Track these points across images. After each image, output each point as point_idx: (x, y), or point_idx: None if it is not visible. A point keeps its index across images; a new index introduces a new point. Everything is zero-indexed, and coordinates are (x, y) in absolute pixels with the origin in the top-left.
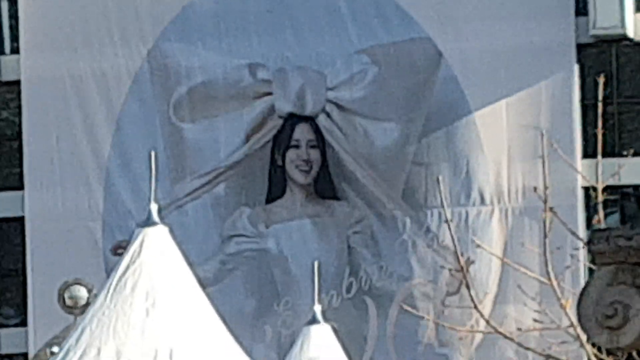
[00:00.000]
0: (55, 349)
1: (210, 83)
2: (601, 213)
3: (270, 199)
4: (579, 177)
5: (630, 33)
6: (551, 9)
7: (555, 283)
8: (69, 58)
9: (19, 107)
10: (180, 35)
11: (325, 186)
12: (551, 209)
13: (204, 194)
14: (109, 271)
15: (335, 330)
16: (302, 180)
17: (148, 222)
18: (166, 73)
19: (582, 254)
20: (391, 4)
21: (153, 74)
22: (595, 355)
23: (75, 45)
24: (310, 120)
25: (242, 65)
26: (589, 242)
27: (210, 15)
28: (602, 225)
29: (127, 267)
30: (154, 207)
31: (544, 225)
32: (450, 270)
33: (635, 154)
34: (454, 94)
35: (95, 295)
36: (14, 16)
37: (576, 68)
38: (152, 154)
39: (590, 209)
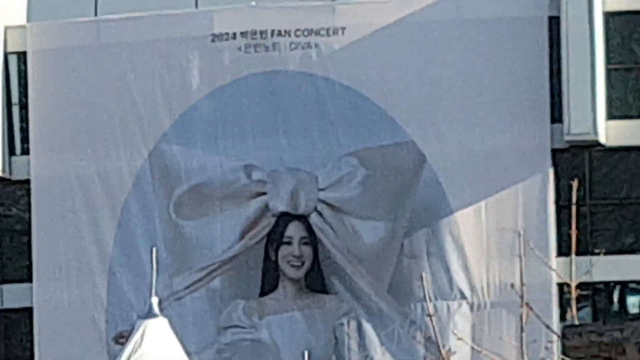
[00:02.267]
0: None
1: (208, 183)
2: (574, 308)
3: (263, 292)
4: (554, 274)
5: (602, 139)
6: (528, 116)
7: None
8: (75, 159)
9: (29, 204)
10: (180, 138)
11: (315, 280)
12: (527, 304)
13: (201, 287)
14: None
15: None
16: (293, 275)
17: (149, 315)
18: (166, 173)
19: (556, 347)
20: (378, 110)
21: (154, 174)
22: None
23: (81, 147)
24: (303, 218)
25: (238, 166)
26: (562, 337)
27: (208, 119)
28: (575, 321)
29: (129, 357)
30: (154, 300)
31: (521, 320)
32: None
33: (607, 253)
34: (437, 194)
35: None
36: (24, 119)
37: (551, 171)
38: (154, 250)
39: (564, 304)
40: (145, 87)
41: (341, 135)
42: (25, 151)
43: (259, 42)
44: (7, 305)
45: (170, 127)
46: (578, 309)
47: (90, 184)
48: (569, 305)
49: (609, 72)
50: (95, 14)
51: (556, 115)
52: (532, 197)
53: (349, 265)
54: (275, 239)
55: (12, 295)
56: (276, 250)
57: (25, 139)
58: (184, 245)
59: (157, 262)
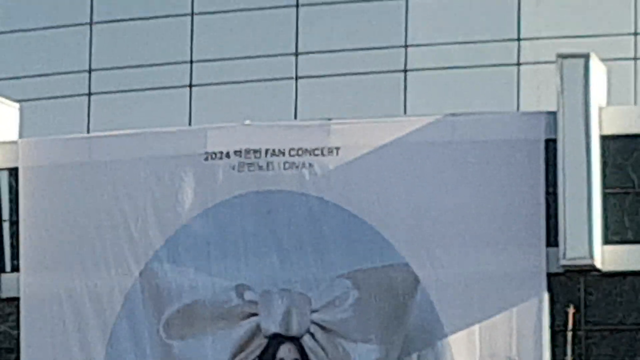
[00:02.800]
0: None
1: (200, 303)
2: None
3: None
4: None
5: (598, 264)
6: (523, 239)
7: None
8: (65, 277)
9: (18, 322)
10: (172, 257)
11: None
12: None
13: None
14: None
15: None
16: None
17: None
18: (157, 292)
19: None
20: (372, 231)
21: (144, 293)
22: None
23: (72, 265)
24: (295, 340)
25: (230, 286)
26: None
27: (200, 238)
28: None
29: None
30: None
31: None
32: None
33: None
34: (430, 317)
35: None
36: (14, 236)
37: (546, 296)
38: None
39: None
40: (137, 204)
41: (334, 256)
42: (15, 268)
43: (253, 161)
44: None
45: (162, 246)
46: None
47: (80, 303)
48: None
49: (605, 196)
50: (88, 131)
51: (552, 239)
52: (527, 322)
53: None
54: None
55: None
56: None
57: (15, 256)
58: None
59: None
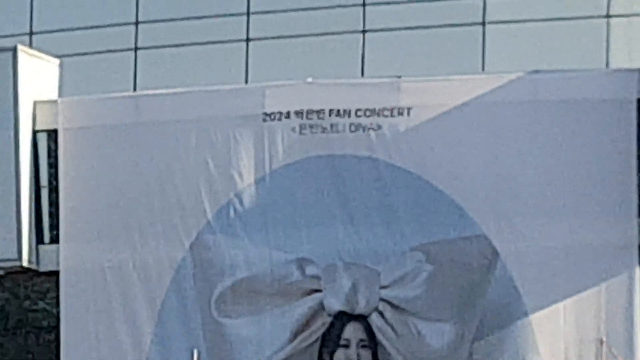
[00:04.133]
0: None
1: (256, 278)
2: None
3: None
4: None
5: None
6: (613, 209)
7: None
8: (109, 249)
9: (57, 298)
10: (225, 227)
11: None
12: None
13: None
14: None
15: None
16: None
17: None
18: (209, 266)
19: None
20: (447, 200)
21: (195, 267)
22: None
23: (116, 235)
24: (362, 318)
25: (289, 260)
26: None
27: (257, 207)
28: None
29: None
30: None
31: None
32: None
33: None
34: (510, 294)
35: None
36: (54, 204)
37: (638, 271)
38: (195, 353)
39: None
40: (187, 170)
41: (406, 227)
42: (54, 239)
43: (316, 123)
44: None
45: (215, 215)
46: None
47: (126, 277)
48: None
49: None
50: (134, 89)
51: None
52: (617, 300)
53: None
54: (330, 341)
55: None
56: (331, 354)
57: (54, 226)
58: (227, 347)
59: None
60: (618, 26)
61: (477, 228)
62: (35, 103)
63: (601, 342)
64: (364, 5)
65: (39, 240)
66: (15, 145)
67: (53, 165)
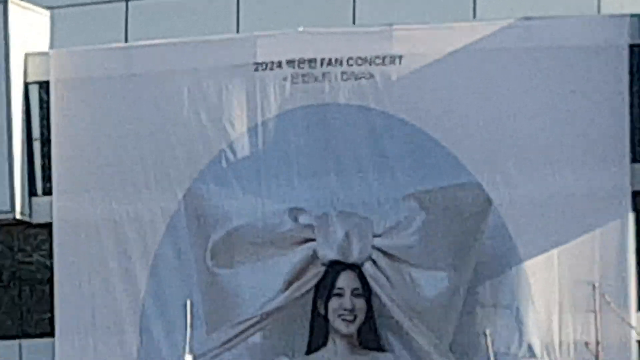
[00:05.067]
0: None
1: (249, 228)
2: None
3: (311, 349)
4: (633, 332)
5: None
6: (605, 155)
7: None
8: (103, 200)
9: (51, 250)
10: (218, 177)
11: (369, 337)
12: None
13: (240, 342)
14: None
15: None
16: (345, 330)
17: None
18: (203, 216)
19: None
20: (439, 148)
21: (189, 217)
22: None
23: (110, 187)
24: (355, 267)
25: (282, 209)
26: None
27: (249, 156)
28: None
29: None
30: (189, 359)
31: None
32: None
33: None
34: (504, 242)
35: None
36: (46, 156)
37: (631, 217)
38: (188, 303)
39: None
40: (180, 120)
41: (399, 175)
42: (47, 191)
43: (308, 72)
44: None
45: (207, 166)
46: None
47: (119, 228)
48: None
49: None
50: (126, 40)
51: (637, 154)
52: (610, 246)
53: (406, 320)
54: (324, 290)
55: (32, 352)
56: (325, 303)
57: (47, 178)
58: (221, 296)
59: (192, 316)
60: None
61: (471, 176)
62: (26, 55)
63: (594, 287)
64: None
65: (32, 192)
66: (6, 98)
67: (45, 117)
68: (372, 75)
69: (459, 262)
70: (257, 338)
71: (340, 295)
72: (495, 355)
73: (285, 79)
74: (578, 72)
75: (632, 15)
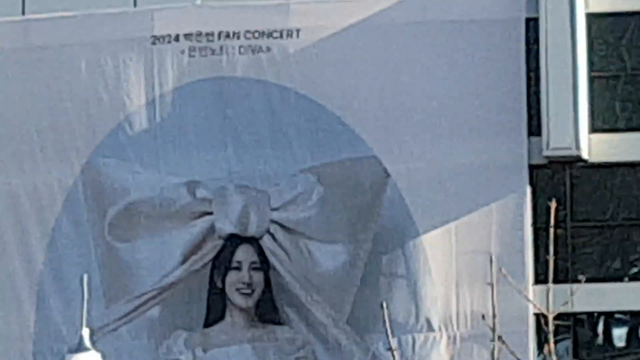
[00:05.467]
0: None
1: (147, 201)
2: (552, 342)
3: (208, 323)
4: (530, 305)
5: (585, 154)
6: (503, 129)
7: None
8: (0, 173)
9: None
10: (116, 150)
11: (267, 310)
12: (500, 337)
13: (138, 316)
14: None
15: None
16: (243, 304)
17: (79, 348)
18: (100, 190)
19: None
20: (336, 121)
21: (87, 191)
22: None
23: (7, 160)
24: (253, 241)
25: (180, 183)
26: None
27: (147, 130)
28: (554, 356)
29: None
30: (85, 333)
31: (492, 355)
32: None
33: (589, 280)
34: (402, 215)
35: None
36: None
37: (528, 190)
38: (85, 277)
39: (541, 337)
40: (77, 94)
41: (296, 149)
42: None
43: (205, 45)
44: None
45: (105, 139)
46: (557, 342)
47: (17, 201)
48: (547, 338)
49: (592, 80)
50: (23, 13)
51: (534, 128)
52: (507, 219)
53: (304, 294)
54: (222, 263)
55: None
56: (223, 277)
57: None
58: (119, 270)
59: (90, 290)
60: None
61: (368, 149)
62: None
63: (491, 260)
64: None
65: None
66: None
67: None
68: (269, 49)
69: (357, 235)
70: (155, 312)
71: (238, 269)
72: (392, 328)
73: (182, 52)
74: (475, 46)
75: None
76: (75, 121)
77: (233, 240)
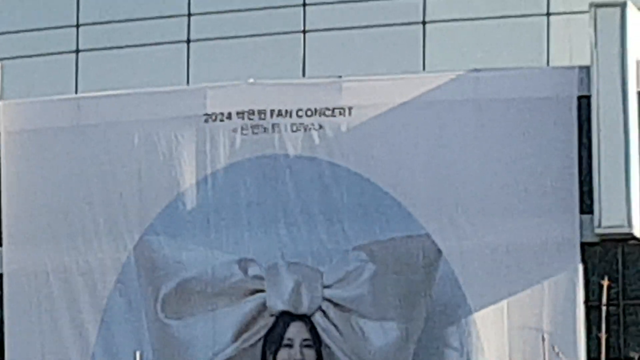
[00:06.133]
0: None
1: (199, 279)
2: None
3: None
4: None
5: (637, 232)
6: (555, 206)
7: None
8: (53, 251)
9: (1, 300)
10: (168, 228)
11: None
12: None
13: None
14: None
15: None
16: None
17: None
18: (153, 267)
19: None
20: (389, 199)
21: (139, 268)
22: None
23: (60, 238)
24: (305, 318)
25: (232, 260)
26: None
27: (199, 207)
28: None
29: None
30: None
31: None
32: None
33: None
34: (454, 292)
35: None
36: None
37: (580, 268)
38: (137, 354)
39: None
40: (130, 171)
41: (348, 226)
42: None
43: (257, 123)
44: None
45: (157, 217)
46: None
47: (70, 279)
48: None
49: None
50: (76, 92)
51: (586, 206)
52: (559, 296)
53: None
54: (273, 340)
55: None
56: (275, 354)
57: None
58: (172, 347)
59: None
60: (558, 24)
61: (420, 227)
62: None
63: (543, 339)
64: (304, 5)
65: None
66: None
67: None
68: (321, 127)
69: (409, 312)
70: None
71: (289, 346)
72: None
73: (234, 130)
74: (527, 124)
75: (580, 67)
76: (127, 198)
77: (285, 318)
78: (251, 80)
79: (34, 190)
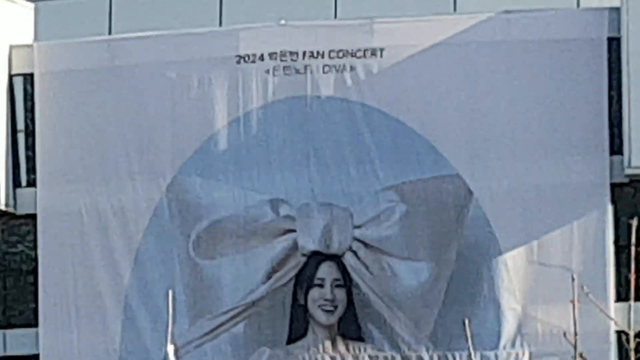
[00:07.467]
0: None
1: (231, 219)
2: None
3: (291, 340)
4: (612, 322)
5: None
6: (584, 148)
7: None
8: (87, 191)
9: (35, 241)
10: (201, 169)
11: (350, 327)
12: (581, 354)
13: (223, 333)
14: None
15: None
16: (325, 320)
17: None
18: (186, 207)
19: None
20: (420, 140)
21: (172, 209)
22: None
23: (94, 178)
24: (336, 258)
25: (264, 201)
26: None
27: (231, 148)
28: None
29: None
30: (170, 349)
31: None
32: None
33: None
34: (484, 233)
35: None
36: (30, 148)
37: (610, 208)
38: (170, 293)
39: (623, 353)
40: (163, 113)
41: (379, 167)
42: (32, 183)
43: (289, 64)
44: (11, 352)
45: (191, 157)
46: None
47: (103, 219)
48: (628, 356)
49: None
50: (109, 33)
51: (616, 147)
52: (589, 237)
53: (386, 311)
54: (305, 280)
55: (17, 342)
56: (306, 293)
57: (31, 170)
58: (204, 287)
59: (175, 307)
60: None
61: (451, 167)
62: (11, 47)
63: (572, 279)
64: None
65: (16, 183)
66: None
67: (29, 109)
68: (353, 68)
69: (440, 253)
70: (238, 329)
71: (320, 285)
72: (474, 345)
73: (267, 71)
74: (557, 65)
75: (611, 9)
76: (160, 140)
77: (316, 258)
78: (283, 21)
79: (68, 131)
